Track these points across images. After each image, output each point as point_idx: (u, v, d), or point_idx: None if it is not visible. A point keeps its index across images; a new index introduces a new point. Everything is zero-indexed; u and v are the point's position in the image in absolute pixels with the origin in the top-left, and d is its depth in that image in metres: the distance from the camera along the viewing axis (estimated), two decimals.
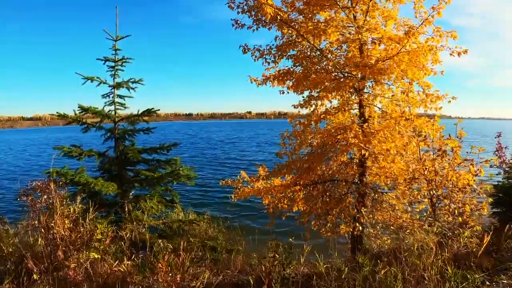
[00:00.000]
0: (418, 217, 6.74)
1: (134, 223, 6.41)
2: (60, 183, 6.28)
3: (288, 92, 7.99)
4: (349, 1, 7.00)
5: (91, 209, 5.65)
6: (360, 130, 6.64)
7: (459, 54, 6.62)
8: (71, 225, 5.51)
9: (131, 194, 6.98)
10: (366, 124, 7.16)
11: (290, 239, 5.25)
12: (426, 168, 6.31)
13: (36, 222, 5.67)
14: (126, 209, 6.83)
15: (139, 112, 7.04)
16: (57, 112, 6.72)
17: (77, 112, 6.76)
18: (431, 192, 6.18)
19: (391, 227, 7.22)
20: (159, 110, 7.00)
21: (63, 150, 6.57)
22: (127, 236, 5.71)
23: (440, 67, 7.01)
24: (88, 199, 6.45)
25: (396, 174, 6.85)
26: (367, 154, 6.81)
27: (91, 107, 6.75)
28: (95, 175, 7.00)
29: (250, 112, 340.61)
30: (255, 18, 7.30)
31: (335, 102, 7.81)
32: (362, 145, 6.42)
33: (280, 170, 7.51)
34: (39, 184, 6.90)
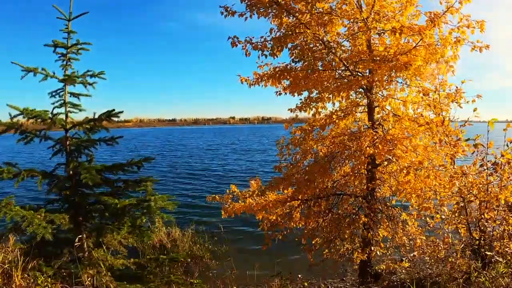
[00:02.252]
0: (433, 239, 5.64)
1: (96, 266, 4.40)
2: None
3: (286, 93, 6.30)
4: None
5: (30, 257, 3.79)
6: (377, 136, 5.57)
7: (480, 49, 5.53)
8: (1, 279, 4.13)
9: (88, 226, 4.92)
10: (381, 129, 6.06)
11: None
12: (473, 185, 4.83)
13: None
14: (85, 247, 4.75)
15: (97, 116, 4.97)
16: None
17: (13, 115, 4.60)
18: (482, 214, 4.71)
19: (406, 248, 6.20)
20: (122, 112, 5.01)
21: None
22: (86, 285, 4.35)
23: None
24: (27, 241, 4.34)
25: (425, 191, 5.35)
26: (395, 167, 5.28)
27: (28, 108, 4.64)
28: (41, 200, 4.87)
29: (233, 117, 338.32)
30: (248, 3, 5.99)
31: (336, 105, 6.67)
32: (384, 154, 5.32)
33: (278, 184, 5.98)
34: None
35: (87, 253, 4.90)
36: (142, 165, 5.10)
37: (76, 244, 4.60)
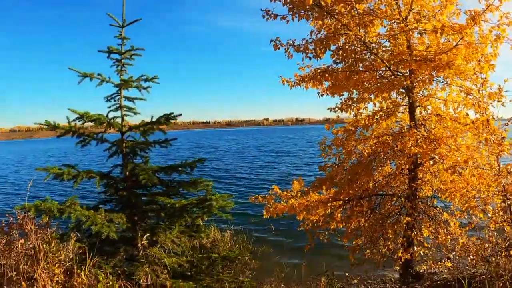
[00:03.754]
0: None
1: (151, 264, 4.54)
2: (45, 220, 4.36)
3: (327, 94, 6.35)
4: None
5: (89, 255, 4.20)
6: (420, 136, 5.54)
7: None
8: (63, 276, 4.14)
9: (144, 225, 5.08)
10: (424, 129, 6.01)
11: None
12: None
13: (14, 273, 4.25)
14: (140, 246, 4.91)
15: (155, 119, 5.12)
16: (45, 121, 4.78)
17: (71, 119, 4.80)
18: None
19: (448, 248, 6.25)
20: (180, 115, 5.14)
21: (51, 172, 4.60)
22: (142, 282, 4.49)
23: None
24: (87, 240, 4.50)
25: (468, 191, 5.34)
26: (441, 166, 5.32)
27: (88, 113, 4.84)
28: (96, 200, 5.06)
29: (267, 119, 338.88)
30: (291, 6, 6.05)
31: (376, 105, 6.76)
32: (429, 153, 5.32)
33: (321, 185, 5.99)
34: (19, 221, 4.83)
35: (141, 251, 5.05)
36: (195, 166, 5.25)
37: (134, 241, 4.76)
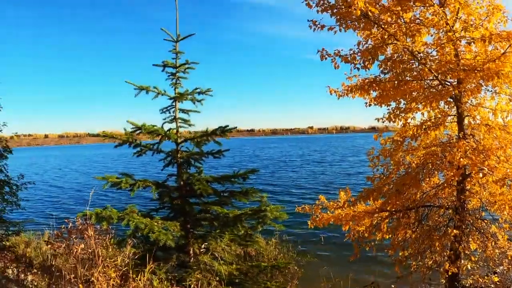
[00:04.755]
0: None
1: (203, 271, 4.65)
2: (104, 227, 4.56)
3: (374, 104, 6.31)
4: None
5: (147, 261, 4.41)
6: (469, 147, 5.48)
7: None
8: (119, 280, 4.34)
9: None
10: (473, 139, 5.95)
11: None
12: None
13: (72, 275, 4.42)
14: (191, 253, 5.05)
15: (210, 130, 5.28)
16: (102, 132, 5.01)
17: (128, 130, 5.01)
18: None
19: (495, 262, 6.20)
20: (235, 128, 5.27)
21: (109, 180, 4.83)
22: None
23: None
24: (142, 246, 4.67)
25: None
26: (490, 178, 5.40)
27: (145, 124, 5.05)
28: (149, 207, 5.24)
29: (311, 127, 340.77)
30: (338, 17, 6.00)
31: (424, 115, 6.54)
32: (478, 165, 5.24)
33: (368, 195, 5.98)
34: (78, 227, 5.05)
35: (193, 258, 5.19)
36: (247, 177, 5.36)
37: (186, 248, 4.91)
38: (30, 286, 6.37)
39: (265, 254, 6.74)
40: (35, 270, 6.98)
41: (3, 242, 6.98)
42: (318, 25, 6.16)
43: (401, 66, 5.89)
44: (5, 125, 7.27)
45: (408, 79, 6.11)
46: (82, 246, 5.09)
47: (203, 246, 4.97)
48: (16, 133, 8.34)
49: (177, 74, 5.40)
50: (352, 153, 53.59)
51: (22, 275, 6.61)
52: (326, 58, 6.22)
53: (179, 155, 5.24)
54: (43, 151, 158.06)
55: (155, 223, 4.61)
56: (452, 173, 5.83)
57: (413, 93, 6.15)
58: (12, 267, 7.03)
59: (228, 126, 5.21)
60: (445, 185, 6.36)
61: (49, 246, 5.29)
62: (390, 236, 6.51)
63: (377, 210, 6.36)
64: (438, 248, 6.33)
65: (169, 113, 5.39)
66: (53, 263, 7.07)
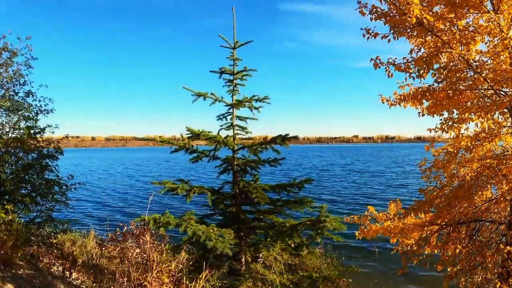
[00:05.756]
0: None
1: (254, 279, 4.61)
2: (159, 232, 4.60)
3: (427, 114, 6.17)
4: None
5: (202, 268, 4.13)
6: None
7: None
8: (172, 286, 4.38)
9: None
10: None
11: None
12: None
13: (125, 279, 4.43)
14: (243, 261, 5.02)
15: (268, 138, 5.23)
16: (159, 137, 5.02)
17: (185, 136, 5.01)
18: None
19: None
20: (296, 137, 5.20)
21: (166, 186, 4.83)
22: None
23: None
24: (196, 252, 4.67)
25: None
26: None
27: (203, 131, 5.03)
28: (200, 211, 5.24)
29: (356, 136, 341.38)
30: (392, 25, 5.88)
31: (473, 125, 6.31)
32: None
33: (420, 208, 5.81)
34: (133, 231, 5.09)
35: (244, 266, 5.16)
36: (303, 186, 5.29)
37: (238, 256, 4.88)
38: (74, 283, 6.47)
39: (309, 264, 6.63)
40: (79, 268, 7.09)
41: (50, 240, 7.12)
42: (372, 33, 6.04)
43: (456, 75, 5.73)
44: (57, 127, 7.44)
45: (462, 88, 5.94)
46: (138, 250, 5.12)
47: (260, 255, 4.91)
48: (67, 135, 8.49)
49: (234, 81, 5.37)
50: (396, 164, 52.90)
51: (67, 273, 6.72)
52: (379, 67, 6.11)
53: (235, 162, 5.21)
54: (89, 152, 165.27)
55: (211, 230, 4.59)
56: (507, 187, 5.64)
57: (467, 103, 5.98)
58: (57, 264, 7.16)
59: (288, 134, 5.14)
60: (499, 199, 6.16)
61: (103, 248, 5.34)
62: (439, 250, 6.35)
63: (427, 223, 6.20)
64: (490, 265, 6.14)
65: (226, 119, 5.37)
66: (98, 262, 7.18)
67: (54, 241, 7.18)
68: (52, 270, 6.89)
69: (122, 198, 23.97)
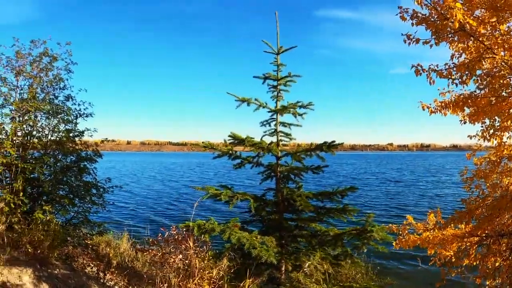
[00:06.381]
0: None
1: None
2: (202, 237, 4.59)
3: (469, 122, 6.04)
4: None
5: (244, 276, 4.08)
6: None
7: None
8: None
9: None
10: None
11: None
12: None
13: (165, 285, 4.43)
14: (283, 269, 4.96)
15: (314, 145, 5.18)
16: (202, 142, 5.02)
17: (228, 142, 4.99)
18: None
19: None
20: (342, 144, 5.14)
21: (209, 192, 4.82)
22: None
23: None
24: (238, 259, 4.64)
25: None
26: None
27: (248, 137, 4.99)
28: (241, 217, 5.22)
29: (391, 144, 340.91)
30: (434, 30, 5.71)
31: None
32: None
33: (460, 218, 5.62)
34: (175, 236, 5.08)
35: (284, 274, 5.11)
36: (346, 194, 5.23)
37: (278, 264, 4.83)
38: (108, 284, 6.51)
39: (344, 273, 6.54)
40: (113, 270, 7.15)
41: (86, 241, 7.22)
42: (413, 39, 5.95)
43: (500, 81, 5.59)
44: (95, 130, 7.55)
45: (505, 95, 5.80)
46: (180, 256, 5.12)
47: (306, 265, 4.85)
48: (106, 138, 8.63)
49: (278, 86, 5.33)
50: (430, 173, 51.90)
51: (101, 274, 6.77)
52: (421, 74, 6.00)
53: (279, 169, 5.18)
54: (124, 156, 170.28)
55: (255, 238, 4.55)
56: None
57: (510, 110, 5.83)
58: (92, 265, 7.23)
59: (334, 141, 5.07)
60: None
61: (145, 253, 5.35)
62: (479, 263, 6.18)
63: (466, 234, 6.04)
64: None
65: (269, 126, 5.34)
66: (132, 265, 7.22)
67: (90, 242, 7.28)
68: (87, 271, 6.97)
69: (151, 203, 23.88)
